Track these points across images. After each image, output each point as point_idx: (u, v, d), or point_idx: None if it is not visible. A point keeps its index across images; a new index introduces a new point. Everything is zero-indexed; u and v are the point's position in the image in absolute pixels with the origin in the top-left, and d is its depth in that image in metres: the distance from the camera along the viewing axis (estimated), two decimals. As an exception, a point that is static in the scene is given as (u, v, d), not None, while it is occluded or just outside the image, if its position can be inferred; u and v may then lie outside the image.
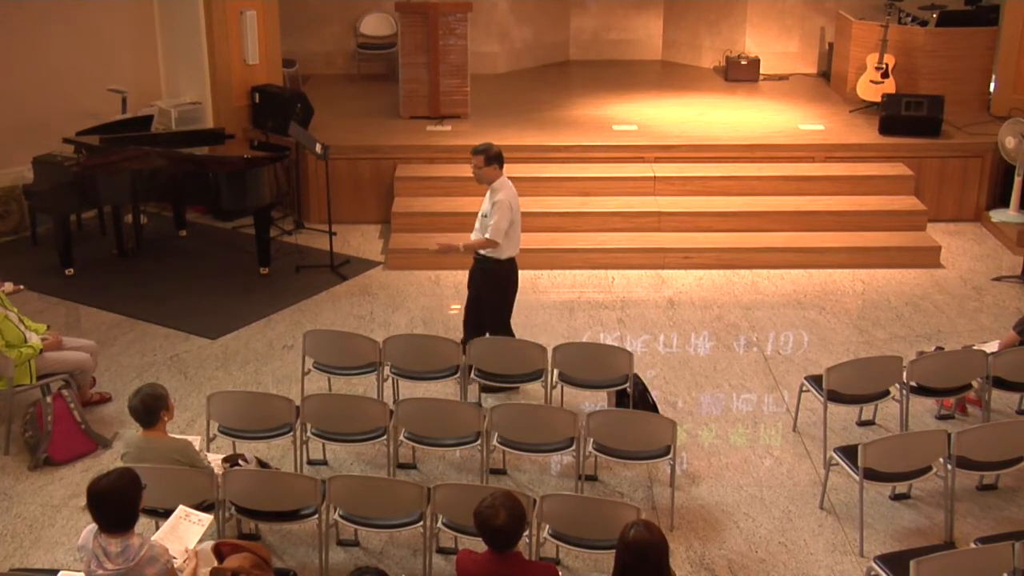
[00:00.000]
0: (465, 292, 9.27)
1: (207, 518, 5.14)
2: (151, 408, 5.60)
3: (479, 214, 7.36)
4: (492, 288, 7.48)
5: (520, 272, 9.58)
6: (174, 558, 4.86)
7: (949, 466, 6.11)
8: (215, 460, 6.02)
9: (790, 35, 13.86)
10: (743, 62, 13.44)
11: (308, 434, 6.48)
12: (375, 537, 6.06)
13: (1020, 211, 10.56)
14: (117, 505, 4.62)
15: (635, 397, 6.87)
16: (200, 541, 5.08)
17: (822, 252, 9.86)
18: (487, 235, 7.21)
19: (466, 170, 10.53)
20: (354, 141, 10.83)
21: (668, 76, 13.89)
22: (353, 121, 11.60)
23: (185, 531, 5.05)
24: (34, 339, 7.06)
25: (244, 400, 6.56)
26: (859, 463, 5.97)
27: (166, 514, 5.24)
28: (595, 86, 13.13)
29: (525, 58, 14.28)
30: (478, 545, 4.78)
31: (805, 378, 7.14)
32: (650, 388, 7.09)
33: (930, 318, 8.85)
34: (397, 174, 10.54)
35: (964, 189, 10.83)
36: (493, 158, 7.19)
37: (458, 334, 8.01)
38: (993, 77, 11.82)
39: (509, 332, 7.60)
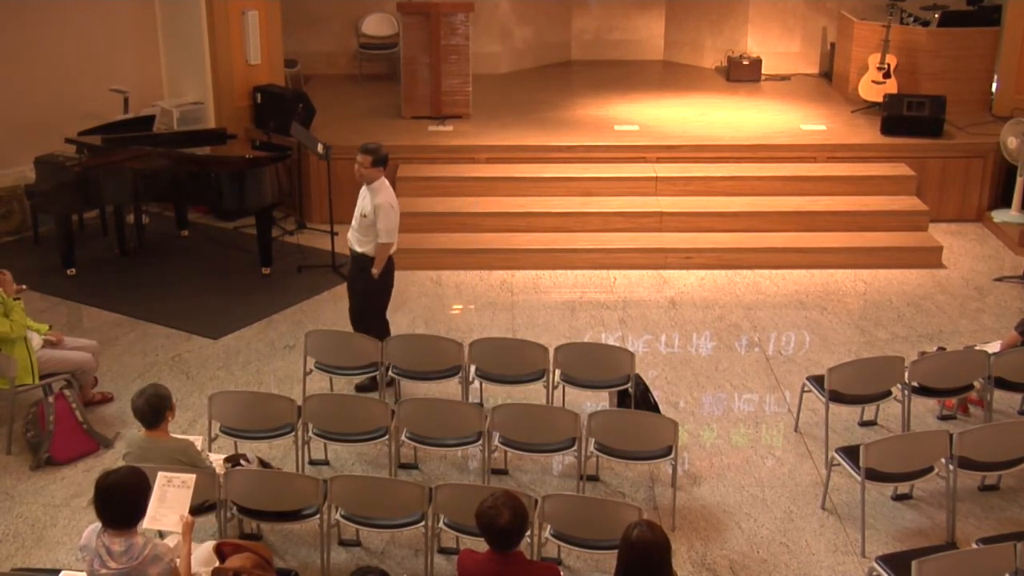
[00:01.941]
0: (464, 292, 9.33)
1: (190, 478, 5.12)
2: (156, 408, 5.61)
3: (358, 213, 7.40)
4: (370, 285, 7.52)
5: (522, 272, 9.70)
6: (177, 559, 4.87)
7: (951, 466, 6.10)
8: (217, 460, 6.03)
9: (792, 35, 13.85)
10: (745, 62, 13.44)
11: (310, 434, 6.48)
12: (376, 537, 6.07)
13: (1022, 211, 10.55)
14: (125, 500, 4.64)
15: (637, 397, 6.87)
16: (199, 530, 5.09)
17: (824, 252, 9.86)
18: (381, 240, 7.33)
19: (468, 170, 10.67)
20: (356, 141, 10.62)
21: (670, 76, 13.89)
22: (355, 121, 11.60)
23: (174, 498, 5.04)
24: (36, 339, 7.07)
25: (246, 400, 6.57)
26: (861, 463, 5.97)
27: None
28: (597, 86, 13.13)
29: (527, 58, 14.28)
30: (479, 545, 4.78)
31: (807, 378, 7.14)
32: (652, 388, 7.09)
33: (932, 318, 8.84)
34: (399, 174, 10.54)
35: (966, 189, 10.82)
36: (380, 160, 7.32)
37: (460, 334, 8.03)
38: (995, 77, 11.81)
39: (387, 330, 7.68)
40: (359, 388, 7.55)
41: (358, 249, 7.47)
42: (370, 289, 7.54)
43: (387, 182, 7.43)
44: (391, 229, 7.35)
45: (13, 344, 6.89)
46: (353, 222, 7.48)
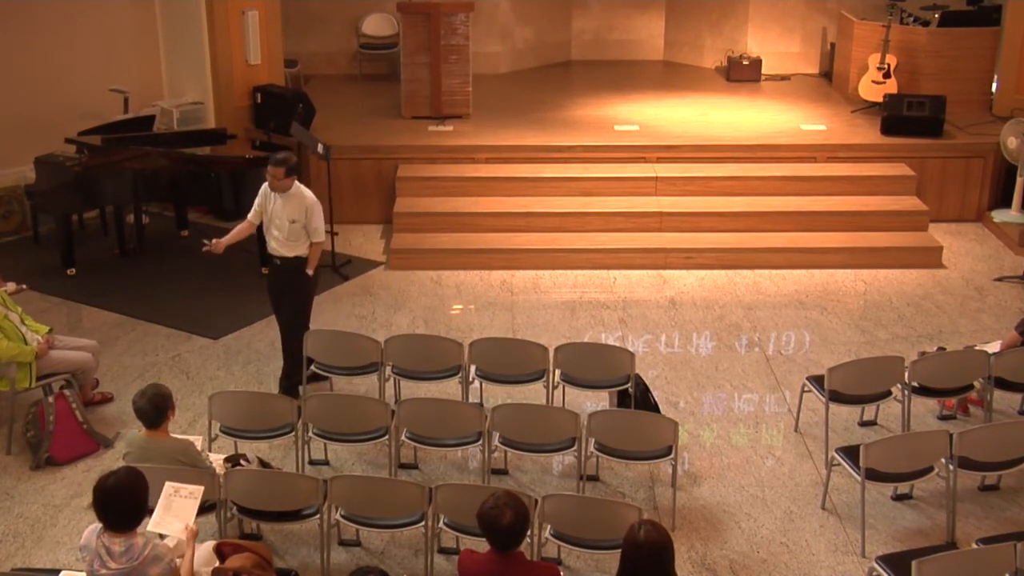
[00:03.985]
0: (464, 292, 9.32)
1: (198, 489, 5.14)
2: (159, 408, 5.61)
3: (282, 220, 7.26)
4: (304, 285, 7.49)
5: (522, 272, 9.70)
6: (177, 558, 4.87)
7: (951, 466, 6.10)
8: (217, 460, 6.03)
9: (792, 35, 13.85)
10: (745, 62, 13.44)
11: (310, 434, 6.49)
12: (376, 537, 6.07)
13: (1022, 211, 10.55)
14: (126, 503, 4.64)
15: (637, 397, 6.87)
16: (197, 520, 5.09)
17: (824, 252, 9.86)
18: (315, 239, 7.33)
19: (468, 170, 10.66)
20: (356, 141, 10.83)
21: (670, 76, 13.89)
22: (355, 121, 11.60)
23: (180, 507, 5.07)
24: (33, 341, 7.05)
25: (246, 400, 6.57)
26: (861, 463, 5.97)
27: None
28: (597, 86, 13.13)
29: (527, 58, 14.28)
30: (479, 545, 4.78)
31: (807, 378, 7.14)
32: (652, 388, 7.09)
33: (932, 318, 8.84)
34: (399, 174, 10.55)
35: (966, 189, 10.82)
36: (293, 170, 7.24)
37: (460, 334, 8.03)
38: (995, 77, 11.81)
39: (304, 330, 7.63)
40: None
41: (291, 254, 7.32)
42: (307, 287, 7.51)
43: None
44: (323, 227, 7.42)
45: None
46: (275, 231, 7.30)
